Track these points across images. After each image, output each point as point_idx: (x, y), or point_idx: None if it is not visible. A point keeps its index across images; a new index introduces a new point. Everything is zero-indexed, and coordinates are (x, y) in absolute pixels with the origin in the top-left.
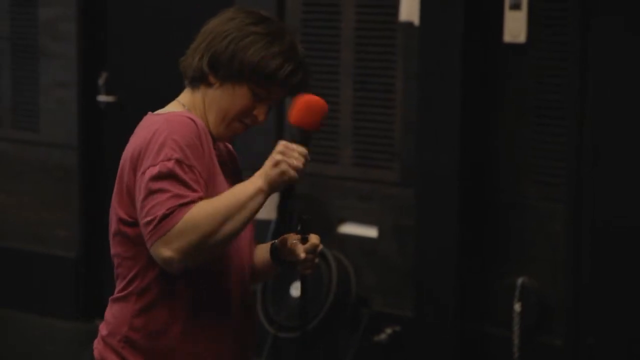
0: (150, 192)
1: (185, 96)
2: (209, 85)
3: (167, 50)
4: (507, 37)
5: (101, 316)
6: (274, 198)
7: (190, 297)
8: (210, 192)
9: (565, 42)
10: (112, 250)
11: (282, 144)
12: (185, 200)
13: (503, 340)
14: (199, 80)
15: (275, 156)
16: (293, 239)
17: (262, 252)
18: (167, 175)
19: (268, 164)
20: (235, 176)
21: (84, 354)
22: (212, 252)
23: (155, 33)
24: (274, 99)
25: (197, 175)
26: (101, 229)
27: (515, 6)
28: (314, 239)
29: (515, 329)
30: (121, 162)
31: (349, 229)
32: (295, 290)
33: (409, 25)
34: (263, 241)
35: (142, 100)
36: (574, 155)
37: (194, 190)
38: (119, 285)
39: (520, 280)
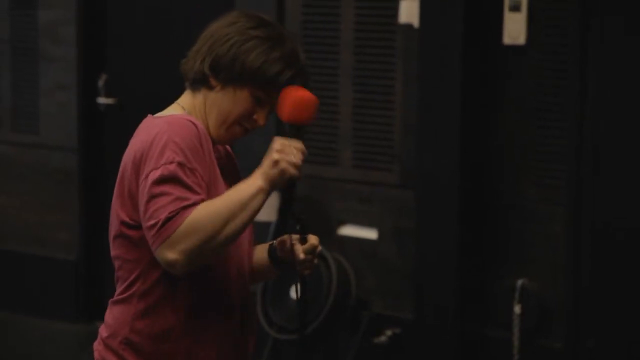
0: (153, 196)
1: (186, 99)
2: (210, 88)
3: (167, 52)
4: (507, 39)
5: (101, 318)
6: (274, 200)
7: (191, 299)
8: (212, 194)
9: (565, 43)
10: (113, 253)
11: (278, 142)
12: (188, 203)
13: (503, 342)
14: (200, 83)
15: (273, 155)
16: (292, 239)
17: (260, 253)
18: (170, 179)
19: (267, 163)
20: (234, 179)
21: (84, 356)
22: (215, 252)
23: (154, 35)
24: (274, 103)
25: (198, 178)
26: (101, 231)
27: (515, 8)
28: (313, 239)
29: (515, 331)
30: (122, 164)
31: (349, 231)
32: (295, 292)
33: (408, 27)
34: (263, 243)
35: (141, 102)
36: (574, 157)
37: (196, 193)
38: (120, 288)
39: (520, 282)
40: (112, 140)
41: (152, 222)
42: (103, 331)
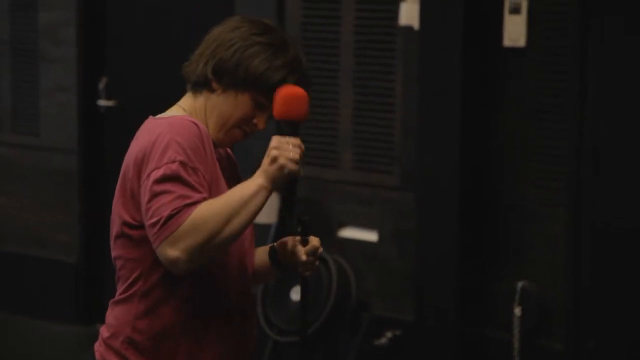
0: (155, 194)
1: (187, 101)
2: (212, 91)
3: (167, 54)
4: (507, 41)
5: (102, 320)
6: (274, 202)
7: (191, 298)
8: (213, 194)
9: (565, 45)
10: (114, 253)
11: (275, 140)
12: (190, 201)
13: (503, 343)
14: (201, 86)
15: (271, 152)
16: (293, 241)
17: (261, 254)
18: (172, 177)
19: (266, 161)
20: (235, 181)
21: (85, 358)
22: (217, 251)
23: (155, 37)
24: None
25: (200, 178)
26: (102, 233)
27: (515, 10)
28: (314, 241)
29: (516, 332)
30: (124, 165)
31: (349, 233)
32: (296, 294)
33: (408, 29)
34: (264, 245)
35: (142, 104)
36: (574, 158)
37: (198, 192)
38: (121, 288)
39: (520, 284)
40: (112, 141)
41: (154, 219)
42: (104, 331)
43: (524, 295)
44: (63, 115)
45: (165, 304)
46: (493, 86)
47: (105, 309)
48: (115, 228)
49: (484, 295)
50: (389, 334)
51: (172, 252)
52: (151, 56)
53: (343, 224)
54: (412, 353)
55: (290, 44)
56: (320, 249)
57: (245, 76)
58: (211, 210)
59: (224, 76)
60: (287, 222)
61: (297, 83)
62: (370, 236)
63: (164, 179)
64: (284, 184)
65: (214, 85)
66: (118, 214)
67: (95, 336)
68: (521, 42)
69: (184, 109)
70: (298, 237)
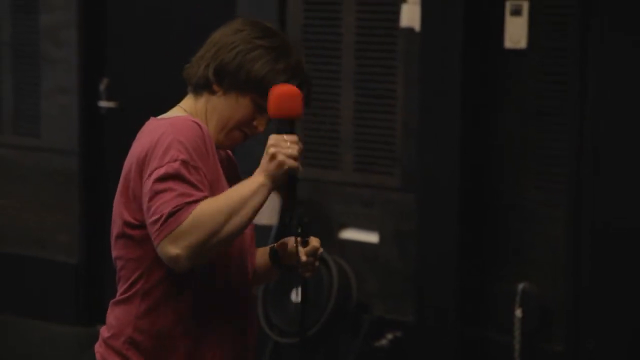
0: (157, 192)
1: (188, 102)
2: (213, 93)
3: (168, 55)
4: (508, 43)
5: (102, 321)
6: (275, 204)
7: (193, 298)
8: (215, 194)
9: (566, 47)
10: (115, 253)
11: (273, 138)
12: (191, 199)
13: (504, 345)
14: (202, 88)
15: (269, 150)
16: (294, 242)
17: (262, 255)
18: (173, 176)
19: (265, 159)
20: (236, 182)
21: (84, 359)
22: (217, 249)
23: (155, 39)
24: None
25: (202, 176)
26: (102, 233)
27: (516, 12)
28: (314, 241)
29: (516, 334)
30: (125, 165)
31: (350, 234)
32: (297, 295)
33: (409, 31)
34: (267, 245)
35: (142, 105)
36: (574, 159)
37: (200, 190)
38: (122, 287)
39: (521, 286)
40: (113, 143)
41: (155, 217)
42: (104, 332)
43: (525, 297)
44: (64, 116)
45: (166, 303)
46: (494, 87)
47: (106, 310)
48: (116, 228)
49: (485, 297)
50: (389, 336)
51: (173, 249)
52: (152, 57)
53: (344, 225)
54: (412, 354)
55: (292, 47)
56: (321, 250)
57: (247, 79)
58: (212, 208)
59: (225, 78)
60: (288, 222)
61: (298, 87)
62: (371, 237)
63: (165, 177)
64: (284, 182)
65: (215, 87)
66: (119, 214)
67: (95, 337)
68: (522, 43)
69: (185, 110)
70: (298, 238)
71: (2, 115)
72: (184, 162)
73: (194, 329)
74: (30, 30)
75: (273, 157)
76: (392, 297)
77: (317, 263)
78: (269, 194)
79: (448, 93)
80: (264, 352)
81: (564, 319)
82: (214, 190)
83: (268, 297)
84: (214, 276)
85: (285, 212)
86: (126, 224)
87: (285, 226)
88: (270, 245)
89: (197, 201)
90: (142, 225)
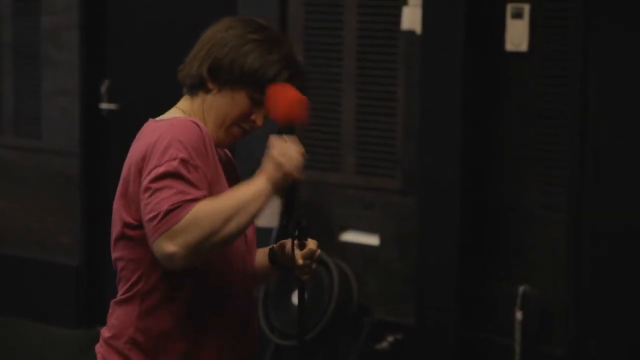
0: (155, 190)
1: (184, 103)
2: (208, 91)
3: (169, 58)
4: (509, 46)
5: (103, 323)
6: (276, 206)
7: (193, 299)
8: (214, 195)
9: (567, 50)
10: (115, 254)
11: (279, 145)
12: (190, 197)
13: (504, 348)
14: (197, 87)
15: (277, 159)
16: (291, 244)
17: (261, 256)
18: (172, 174)
19: (270, 165)
20: (235, 182)
21: None
22: (214, 250)
23: (156, 40)
24: None
25: (201, 175)
26: (103, 235)
27: (517, 15)
28: (311, 244)
29: (517, 336)
30: (125, 166)
31: (351, 236)
32: (297, 297)
33: (411, 33)
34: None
35: (143, 107)
36: (575, 162)
37: (198, 189)
38: (122, 288)
39: (521, 288)
40: (114, 145)
41: (153, 214)
42: (105, 332)
43: (525, 299)
44: (65, 118)
45: (167, 304)
46: (495, 90)
47: (106, 312)
48: (116, 229)
49: (485, 299)
50: (390, 338)
51: (169, 246)
52: (153, 59)
53: (345, 228)
54: (413, 357)
55: (283, 40)
56: (318, 252)
57: (241, 73)
58: (212, 208)
59: (219, 75)
60: (285, 225)
61: (293, 78)
62: (372, 240)
63: (164, 176)
64: (285, 188)
65: (210, 85)
66: (119, 215)
67: (96, 339)
68: (523, 46)
69: (183, 110)
70: (295, 241)
71: (3, 116)
72: (183, 161)
73: (194, 329)
74: (32, 32)
75: (279, 165)
76: (393, 299)
77: (314, 266)
78: (269, 199)
79: (449, 96)
80: (264, 354)
81: (565, 321)
82: (213, 190)
83: (269, 299)
84: (214, 277)
85: (283, 214)
86: (126, 224)
87: (284, 228)
88: (269, 246)
89: (196, 200)
90: (141, 226)
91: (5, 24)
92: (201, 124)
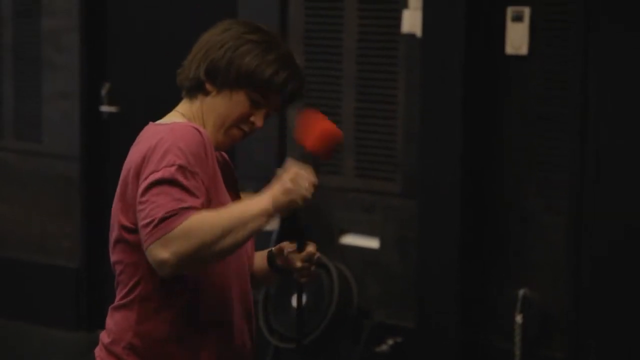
0: (151, 196)
1: (183, 107)
2: (206, 93)
3: (169, 60)
4: (509, 49)
5: (102, 326)
6: None
7: (192, 303)
8: (213, 201)
9: (567, 53)
10: (113, 258)
11: (294, 171)
12: (185, 205)
13: (505, 352)
14: (196, 90)
15: (287, 184)
16: (289, 247)
17: (260, 259)
18: (169, 181)
19: (278, 188)
20: (232, 186)
21: None
22: (206, 261)
23: (157, 43)
24: (271, 105)
25: (199, 183)
26: (103, 239)
27: (518, 18)
28: (310, 247)
29: (517, 340)
30: (124, 170)
31: (351, 240)
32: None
33: (411, 36)
34: (267, 249)
35: (144, 110)
36: (576, 165)
37: (195, 196)
38: (121, 293)
39: (521, 292)
40: (115, 148)
41: (147, 220)
42: (104, 337)
43: (526, 303)
44: (65, 121)
45: (166, 308)
46: (495, 93)
47: (106, 315)
48: (114, 233)
49: (485, 303)
50: (390, 341)
51: (161, 253)
52: (153, 62)
53: (345, 231)
54: None
55: (281, 41)
56: (317, 255)
57: (238, 74)
58: (209, 220)
59: (217, 76)
60: (286, 229)
61: (290, 78)
62: (372, 243)
63: (161, 182)
64: (287, 212)
65: (208, 87)
66: (117, 218)
67: (95, 342)
68: (523, 50)
69: (182, 114)
70: (294, 244)
71: (4, 119)
72: (181, 167)
73: (193, 333)
74: (32, 35)
75: (287, 191)
76: (393, 302)
77: (312, 268)
78: (269, 221)
79: (449, 99)
80: (264, 358)
81: (565, 325)
82: (212, 198)
83: (269, 302)
84: (213, 281)
85: (284, 219)
86: (124, 228)
87: (284, 231)
88: (268, 249)
89: (191, 207)
90: (138, 230)
91: (5, 26)
92: (201, 129)
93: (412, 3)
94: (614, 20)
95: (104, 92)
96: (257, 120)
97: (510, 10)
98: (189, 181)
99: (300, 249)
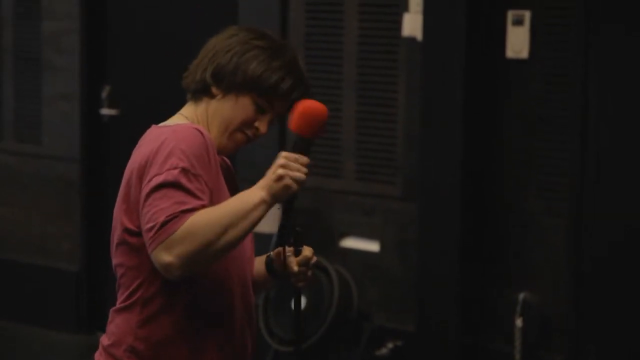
0: (154, 199)
1: (188, 109)
2: (212, 97)
3: (169, 63)
4: (510, 53)
5: (103, 329)
6: (276, 212)
7: (194, 307)
8: (216, 203)
9: (568, 57)
10: (115, 261)
11: (283, 156)
12: (187, 207)
13: (505, 355)
14: (201, 93)
15: (278, 170)
16: (286, 251)
17: (259, 264)
18: (172, 184)
19: (271, 176)
20: (234, 191)
21: None
22: (211, 260)
23: (157, 46)
24: (276, 111)
25: (202, 185)
26: (103, 241)
27: (518, 22)
28: (307, 251)
29: (517, 343)
30: (126, 172)
31: (351, 243)
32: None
33: (411, 40)
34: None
35: (144, 113)
36: (576, 168)
37: (198, 198)
38: (122, 295)
39: (522, 295)
40: (115, 150)
41: (150, 224)
42: (105, 340)
43: (526, 307)
44: (65, 123)
45: (167, 311)
46: (495, 97)
47: (106, 318)
48: (116, 235)
49: (485, 306)
50: (390, 345)
51: (166, 257)
52: (153, 65)
53: (345, 234)
54: None
55: (287, 47)
56: (313, 259)
57: (244, 78)
58: (209, 218)
59: (224, 80)
60: (285, 233)
61: (296, 85)
62: (372, 246)
63: (163, 185)
64: (284, 199)
65: (214, 90)
66: (120, 221)
67: (95, 345)
68: (524, 53)
69: (186, 117)
70: (290, 248)
71: (4, 121)
72: (184, 170)
73: (194, 337)
74: (33, 37)
75: (280, 177)
76: (393, 305)
77: (309, 273)
78: (268, 210)
79: (450, 102)
80: None
81: (565, 329)
82: (215, 199)
83: (268, 305)
84: (214, 284)
85: (283, 223)
86: (126, 231)
87: (282, 235)
88: (267, 254)
89: (193, 210)
90: (141, 233)
91: (6, 28)
92: (204, 131)
93: (412, 6)
94: (614, 24)
95: (104, 94)
96: (261, 125)
97: (510, 14)
98: (192, 184)
99: (297, 249)
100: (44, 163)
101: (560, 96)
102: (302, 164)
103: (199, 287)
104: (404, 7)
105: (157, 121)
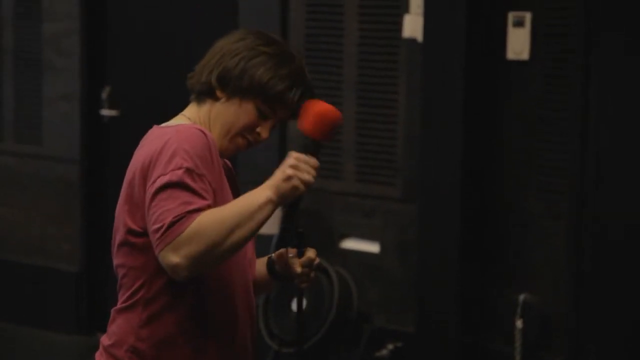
0: (160, 200)
1: (191, 110)
2: (216, 99)
3: (170, 64)
4: (510, 54)
5: (103, 329)
6: (277, 212)
7: (194, 307)
8: (219, 204)
9: (568, 58)
10: (117, 261)
11: (293, 157)
12: (193, 207)
13: (505, 356)
14: (206, 94)
15: (287, 170)
16: (289, 253)
17: (260, 265)
18: (177, 184)
19: (279, 176)
20: (235, 193)
21: None
22: (218, 260)
23: (157, 47)
24: (278, 117)
25: (206, 185)
26: (103, 242)
27: (519, 23)
28: (310, 252)
29: (517, 344)
30: (129, 173)
31: (352, 244)
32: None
33: (412, 41)
34: (267, 255)
35: (144, 113)
36: (576, 169)
37: (203, 198)
38: (124, 296)
39: (522, 296)
40: (115, 151)
41: (157, 225)
42: (105, 340)
43: (526, 307)
44: (66, 124)
45: (168, 311)
46: (496, 98)
47: (107, 319)
48: (118, 236)
49: (486, 307)
50: (390, 346)
51: (173, 258)
52: (154, 66)
53: (345, 235)
54: None
55: (294, 55)
56: (317, 261)
57: (250, 84)
58: (216, 219)
59: (229, 84)
60: (287, 234)
61: (302, 94)
62: (373, 247)
63: (168, 186)
64: (291, 200)
65: (219, 93)
66: (122, 221)
67: (95, 346)
68: (524, 55)
69: (189, 117)
70: (294, 249)
71: (4, 122)
72: (189, 170)
73: (195, 337)
74: (33, 38)
75: (289, 178)
76: (393, 306)
77: (312, 274)
78: (274, 210)
79: (450, 103)
80: None
81: (565, 329)
82: (218, 199)
83: (269, 306)
84: (215, 285)
85: (285, 224)
86: (129, 231)
87: (284, 236)
88: (268, 256)
89: (199, 210)
90: (145, 233)
91: (6, 29)
92: (207, 132)
93: (413, 8)
94: (615, 25)
95: (104, 95)
96: (263, 131)
97: (511, 16)
98: (196, 184)
99: (300, 250)
100: (44, 164)
101: (561, 97)
102: (311, 166)
103: (201, 287)
104: (405, 8)
105: (158, 122)
